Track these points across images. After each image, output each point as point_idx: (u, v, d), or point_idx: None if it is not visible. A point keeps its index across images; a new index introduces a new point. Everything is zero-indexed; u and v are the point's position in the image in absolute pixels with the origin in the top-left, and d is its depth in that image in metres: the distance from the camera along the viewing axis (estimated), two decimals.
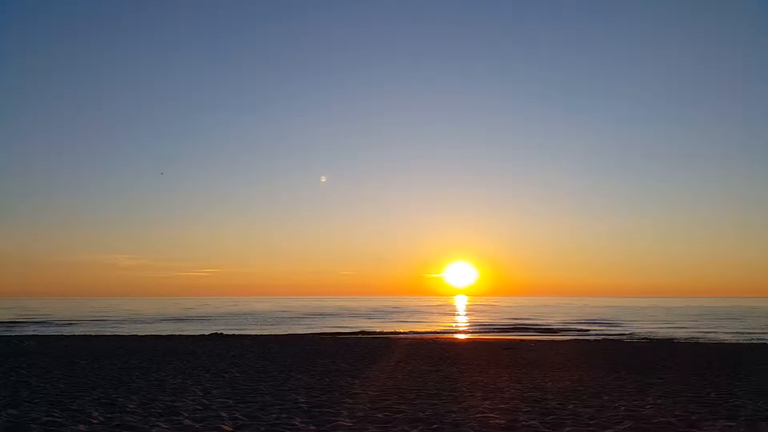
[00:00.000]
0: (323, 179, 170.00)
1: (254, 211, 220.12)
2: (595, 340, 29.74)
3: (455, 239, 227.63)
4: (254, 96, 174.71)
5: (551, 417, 8.33)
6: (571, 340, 29.98)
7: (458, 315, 71.08)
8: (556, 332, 38.68)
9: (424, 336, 33.95)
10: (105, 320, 53.70)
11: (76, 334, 34.40)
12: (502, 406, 9.25)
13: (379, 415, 8.50)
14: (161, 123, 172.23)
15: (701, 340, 30.37)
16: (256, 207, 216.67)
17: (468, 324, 51.01)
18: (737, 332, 38.99)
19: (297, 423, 7.96)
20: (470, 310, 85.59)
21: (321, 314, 67.18)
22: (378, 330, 40.42)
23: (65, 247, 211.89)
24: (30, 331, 38.37)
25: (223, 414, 8.57)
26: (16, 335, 31.45)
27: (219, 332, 32.92)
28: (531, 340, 28.56)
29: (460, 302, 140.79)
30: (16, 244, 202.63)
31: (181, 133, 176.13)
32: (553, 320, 54.80)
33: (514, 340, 29.46)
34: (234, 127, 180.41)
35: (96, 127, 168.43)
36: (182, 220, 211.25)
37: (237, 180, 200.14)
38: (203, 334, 32.00)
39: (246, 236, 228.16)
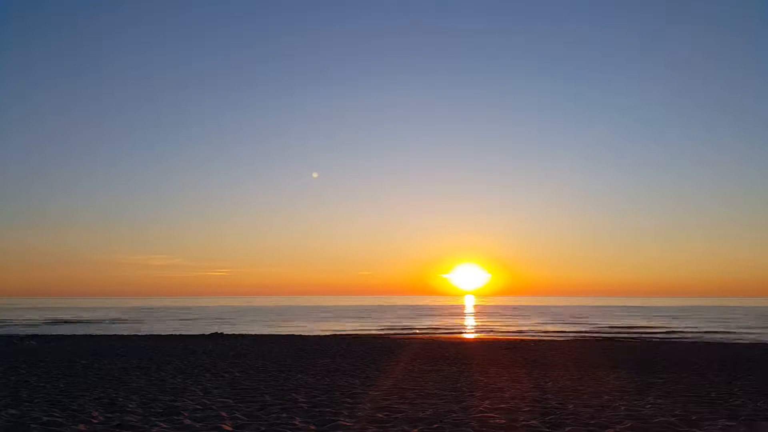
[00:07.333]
0: (315, 175, 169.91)
1: (270, 212, 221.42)
2: (595, 339, 29.75)
3: (470, 239, 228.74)
4: (263, 97, 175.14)
5: (551, 417, 8.33)
6: (571, 339, 30.00)
7: (466, 315, 71.06)
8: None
9: (425, 336, 33.95)
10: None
11: (78, 333, 34.40)
12: (503, 405, 9.25)
13: (380, 415, 8.50)
14: (193, 124, 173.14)
15: (702, 339, 30.35)
16: (273, 207, 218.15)
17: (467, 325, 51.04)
18: (737, 331, 38.97)
19: (297, 423, 7.96)
20: (477, 311, 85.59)
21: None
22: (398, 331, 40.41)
23: (101, 246, 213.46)
24: (32, 330, 38.37)
25: (223, 414, 8.57)
26: (16, 334, 31.46)
27: (219, 332, 32.93)
28: (531, 340, 28.57)
29: (469, 302, 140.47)
30: (51, 243, 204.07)
31: (216, 132, 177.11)
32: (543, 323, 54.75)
33: (515, 340, 29.46)
34: (265, 125, 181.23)
35: (133, 129, 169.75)
36: (209, 221, 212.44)
37: (250, 180, 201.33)
38: (203, 334, 32.01)
39: (262, 237, 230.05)
